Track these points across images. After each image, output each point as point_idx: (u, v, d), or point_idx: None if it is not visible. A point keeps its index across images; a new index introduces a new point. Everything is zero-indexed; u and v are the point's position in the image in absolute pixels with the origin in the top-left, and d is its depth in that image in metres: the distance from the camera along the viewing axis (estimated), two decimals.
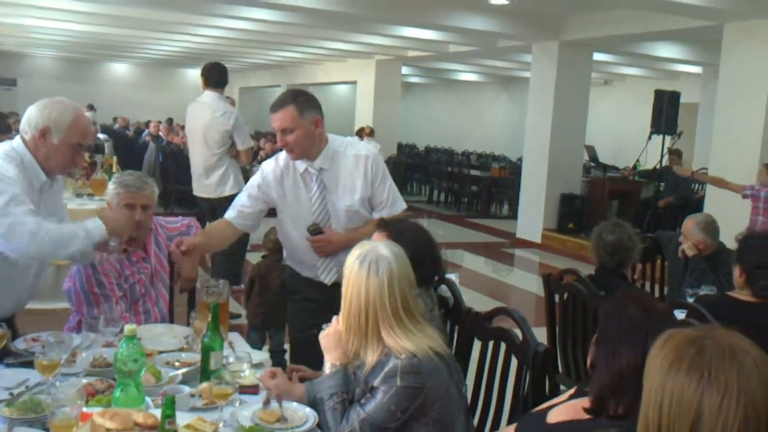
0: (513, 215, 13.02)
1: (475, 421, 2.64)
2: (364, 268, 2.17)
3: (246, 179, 6.35)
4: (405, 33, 11.82)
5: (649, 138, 10.76)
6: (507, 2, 9.40)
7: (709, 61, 12.00)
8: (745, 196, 6.47)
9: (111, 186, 3.23)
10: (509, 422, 2.44)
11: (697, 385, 1.22)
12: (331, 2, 9.41)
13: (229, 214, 3.33)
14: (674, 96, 9.91)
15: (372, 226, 3.07)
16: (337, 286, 2.80)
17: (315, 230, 3.16)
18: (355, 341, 2.20)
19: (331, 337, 2.27)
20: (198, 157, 6.01)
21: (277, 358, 4.44)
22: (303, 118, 3.01)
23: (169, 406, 1.65)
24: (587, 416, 1.79)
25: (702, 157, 13.09)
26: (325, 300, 2.99)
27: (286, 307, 4.57)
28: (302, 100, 3.05)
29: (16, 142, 2.87)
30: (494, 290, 8.06)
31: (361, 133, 13.62)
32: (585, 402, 1.83)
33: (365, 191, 3.14)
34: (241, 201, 3.31)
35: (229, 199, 5.92)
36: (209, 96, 5.95)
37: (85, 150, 3.02)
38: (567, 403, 1.94)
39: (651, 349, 1.33)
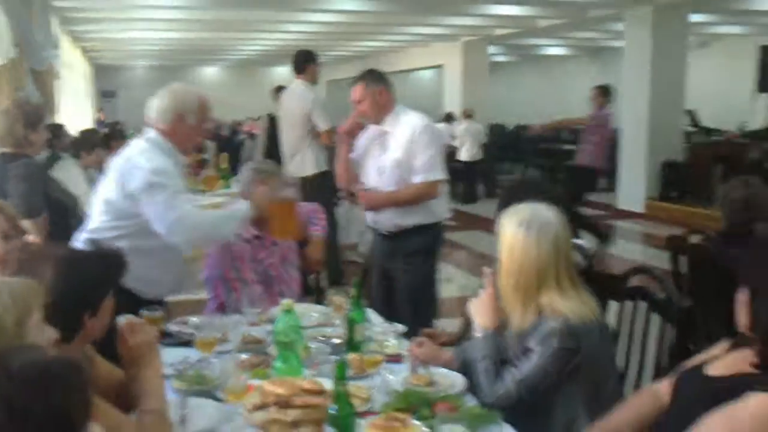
0: (611, 187, 12.74)
1: None
2: (533, 234, 2.19)
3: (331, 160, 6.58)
4: (492, 11, 11.72)
5: (755, 97, 10.35)
6: None
7: None
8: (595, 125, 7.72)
9: (246, 175, 3.40)
10: (653, 380, 2.44)
11: None
12: None
13: None
14: None
15: (412, 189, 3.67)
16: (388, 236, 3.80)
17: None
18: (515, 304, 2.23)
19: (484, 302, 2.31)
20: (283, 141, 6.31)
21: None
22: (369, 90, 3.73)
23: (341, 369, 1.76)
24: (754, 370, 1.78)
25: None
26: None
27: None
28: (368, 77, 3.78)
29: (153, 134, 3.04)
30: (600, 261, 7.93)
31: (448, 118, 13.66)
32: (749, 355, 1.80)
33: (406, 154, 3.68)
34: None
35: (314, 179, 6.14)
36: (294, 83, 6.29)
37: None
38: (727, 356, 1.92)
39: None
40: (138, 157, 2.95)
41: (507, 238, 2.24)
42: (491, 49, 17.21)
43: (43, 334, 1.58)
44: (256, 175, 3.37)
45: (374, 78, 3.78)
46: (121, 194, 2.93)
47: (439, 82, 18.89)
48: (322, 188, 6.12)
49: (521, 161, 16.70)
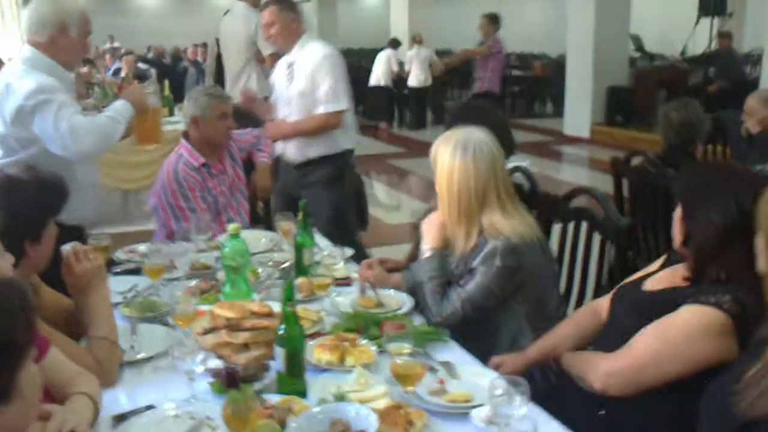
0: (557, 113, 12.85)
1: None
2: (469, 155, 2.20)
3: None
4: None
5: (697, 21, 10.45)
6: None
7: None
8: (492, 53, 8.09)
9: (202, 99, 3.31)
10: (594, 298, 2.53)
11: None
12: None
13: None
14: None
15: (315, 119, 3.74)
16: (296, 166, 3.87)
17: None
18: (459, 229, 2.26)
19: (433, 223, 2.34)
20: (226, 65, 6.14)
21: None
22: (282, 16, 3.74)
23: (289, 290, 1.77)
24: (686, 284, 1.84)
25: (754, 39, 12.67)
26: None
27: None
28: (282, 2, 3.76)
29: (29, 52, 2.81)
30: (546, 186, 8.05)
31: (394, 44, 13.46)
32: (682, 270, 1.87)
33: (310, 84, 3.73)
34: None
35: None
36: (237, 5, 6.04)
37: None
38: (662, 272, 1.99)
39: (760, 200, 1.38)
40: (14, 83, 2.75)
41: (444, 164, 2.25)
42: None
43: (2, 257, 1.56)
44: (213, 100, 3.31)
45: (288, 5, 3.78)
46: (6, 124, 2.77)
47: (385, 7, 18.58)
48: None
49: (468, 87, 16.66)
